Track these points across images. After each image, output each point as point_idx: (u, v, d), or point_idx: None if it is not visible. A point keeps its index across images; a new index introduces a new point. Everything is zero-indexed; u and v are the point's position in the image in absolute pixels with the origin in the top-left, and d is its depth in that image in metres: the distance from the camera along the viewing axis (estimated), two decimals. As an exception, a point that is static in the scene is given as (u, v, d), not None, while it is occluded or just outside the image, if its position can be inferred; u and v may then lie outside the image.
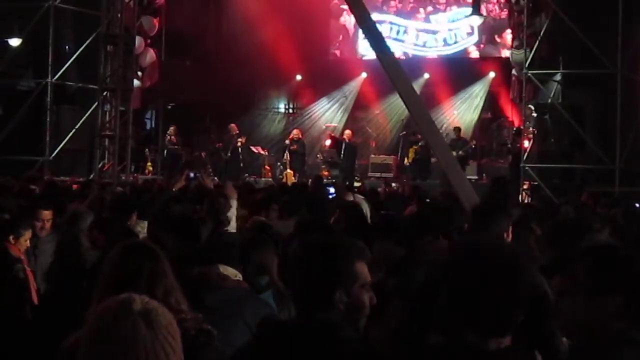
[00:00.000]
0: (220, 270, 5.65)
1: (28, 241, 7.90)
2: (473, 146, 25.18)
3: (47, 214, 8.60)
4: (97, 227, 7.94)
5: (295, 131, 27.25)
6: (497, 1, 29.45)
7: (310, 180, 20.56)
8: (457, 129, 25.65)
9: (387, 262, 6.16)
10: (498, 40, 29.59)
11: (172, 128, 26.99)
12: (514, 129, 24.66)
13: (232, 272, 5.69)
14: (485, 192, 13.99)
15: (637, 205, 14.32)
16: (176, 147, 26.76)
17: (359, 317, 3.55)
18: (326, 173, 25.95)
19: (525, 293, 3.18)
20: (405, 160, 26.52)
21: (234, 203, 9.80)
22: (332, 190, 14.37)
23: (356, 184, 22.31)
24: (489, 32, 29.77)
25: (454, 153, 22.76)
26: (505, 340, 3.15)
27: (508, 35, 27.54)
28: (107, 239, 7.34)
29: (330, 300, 3.44)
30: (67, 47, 22.74)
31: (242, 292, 5.48)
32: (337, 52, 31.93)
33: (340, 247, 3.61)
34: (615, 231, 7.88)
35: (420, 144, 25.00)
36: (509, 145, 24.32)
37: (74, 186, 16.19)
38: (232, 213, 9.62)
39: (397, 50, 29.08)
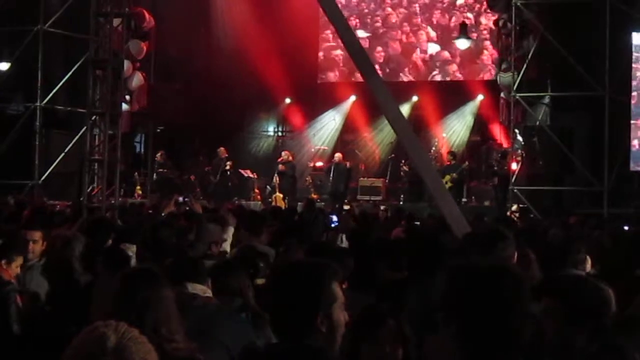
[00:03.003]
0: (189, 288, 5.64)
1: (19, 268, 7.71)
2: (466, 168, 25.08)
3: (33, 235, 8.04)
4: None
5: (284, 153, 27.15)
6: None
7: (300, 203, 20.57)
8: (452, 154, 25.66)
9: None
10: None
11: (160, 153, 26.93)
12: (501, 151, 24.68)
13: (200, 289, 5.68)
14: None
15: (626, 227, 14.34)
16: (165, 170, 26.70)
17: (336, 336, 3.57)
18: (316, 196, 25.92)
19: (527, 320, 3.19)
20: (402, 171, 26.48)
21: (231, 230, 9.72)
22: (334, 218, 14.30)
23: (346, 207, 22.31)
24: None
25: (449, 176, 22.92)
26: None
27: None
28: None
29: (313, 325, 3.45)
30: (56, 71, 22.75)
31: (213, 309, 5.47)
32: (326, 75, 31.91)
33: (317, 271, 3.62)
34: (600, 254, 7.88)
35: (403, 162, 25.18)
36: (495, 168, 24.38)
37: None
38: (227, 237, 9.54)
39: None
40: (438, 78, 30.04)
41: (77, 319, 5.36)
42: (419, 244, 6.87)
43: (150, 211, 13.54)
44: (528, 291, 3.17)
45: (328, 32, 29.84)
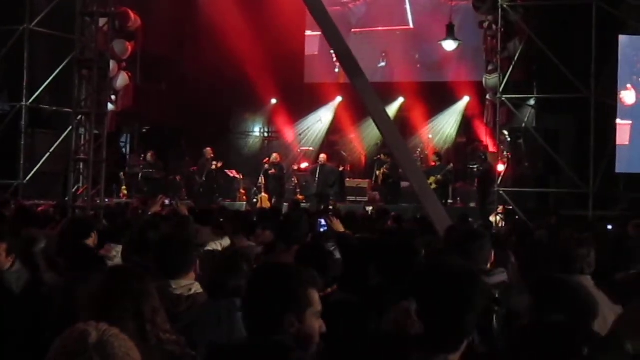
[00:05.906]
0: (173, 287, 5.57)
1: None
2: (451, 169, 25.08)
3: None
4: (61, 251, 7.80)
5: (274, 155, 27.13)
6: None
7: (286, 204, 20.58)
8: (437, 155, 25.72)
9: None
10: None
11: (150, 153, 26.80)
12: (483, 153, 24.69)
13: (185, 286, 5.60)
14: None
15: (609, 227, 14.39)
16: (152, 170, 26.61)
17: (308, 344, 3.60)
18: (301, 197, 25.92)
19: (477, 312, 3.25)
20: (375, 176, 26.46)
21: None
22: (323, 222, 14.24)
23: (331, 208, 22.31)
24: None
25: (434, 177, 22.96)
26: (454, 357, 3.22)
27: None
28: (71, 263, 7.25)
29: (280, 324, 3.49)
30: (41, 71, 22.68)
31: (196, 314, 5.43)
32: (312, 76, 31.88)
33: (293, 273, 3.70)
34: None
35: (385, 166, 25.12)
36: (475, 169, 24.44)
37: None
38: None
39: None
40: (425, 79, 30.03)
41: (43, 316, 5.35)
42: (391, 247, 6.88)
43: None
44: (484, 293, 3.25)
45: (315, 32, 29.78)
